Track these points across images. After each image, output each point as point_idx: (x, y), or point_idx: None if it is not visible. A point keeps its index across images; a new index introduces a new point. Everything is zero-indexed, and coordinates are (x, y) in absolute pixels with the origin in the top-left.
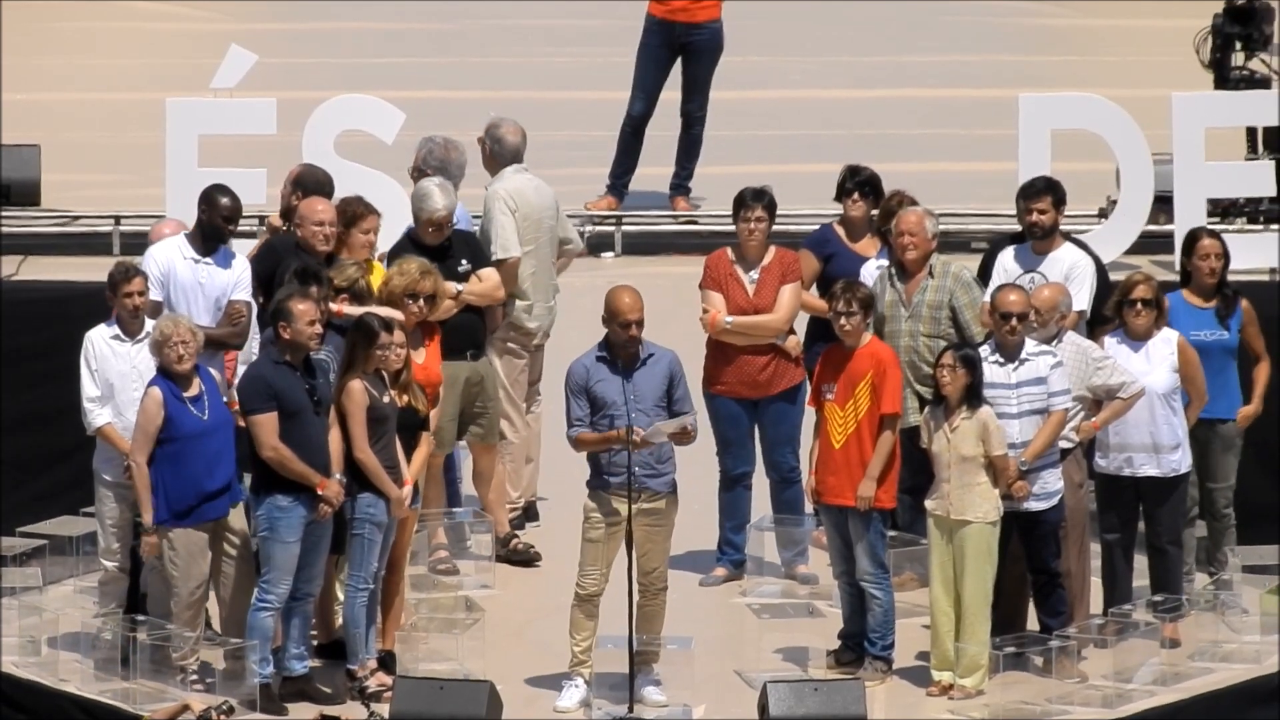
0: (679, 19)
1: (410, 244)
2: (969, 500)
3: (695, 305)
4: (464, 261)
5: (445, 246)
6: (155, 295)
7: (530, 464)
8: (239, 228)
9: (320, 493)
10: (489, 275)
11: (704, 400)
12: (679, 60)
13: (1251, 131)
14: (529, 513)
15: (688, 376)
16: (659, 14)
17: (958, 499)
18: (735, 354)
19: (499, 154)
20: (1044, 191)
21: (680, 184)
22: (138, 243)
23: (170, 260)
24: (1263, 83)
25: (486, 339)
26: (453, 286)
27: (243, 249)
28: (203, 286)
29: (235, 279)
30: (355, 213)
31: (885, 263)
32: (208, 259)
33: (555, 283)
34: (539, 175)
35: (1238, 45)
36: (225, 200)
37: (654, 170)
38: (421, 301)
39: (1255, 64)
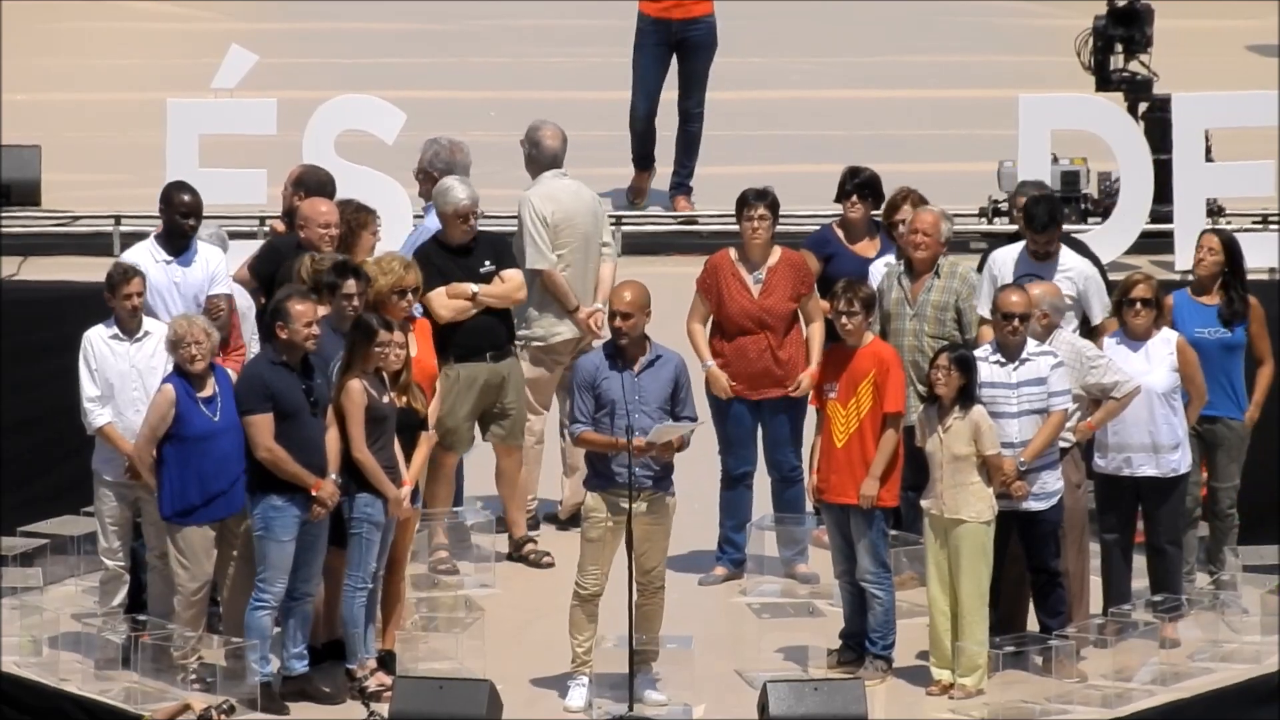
0: (674, 15)
1: (436, 247)
2: (963, 500)
3: None
4: (487, 262)
5: (470, 246)
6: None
7: (576, 471)
8: (238, 228)
9: (314, 494)
10: (511, 277)
11: (706, 400)
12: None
13: None
14: (577, 518)
15: (689, 376)
16: (652, 12)
17: (951, 499)
18: (739, 356)
19: (536, 158)
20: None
21: (681, 183)
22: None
23: (142, 265)
24: (1144, 85)
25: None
26: (470, 287)
27: (244, 249)
28: (178, 286)
29: (211, 273)
30: (362, 219)
31: (891, 258)
32: (178, 258)
33: (590, 288)
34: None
35: (1118, 47)
36: (184, 197)
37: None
38: (410, 295)
39: (1135, 65)
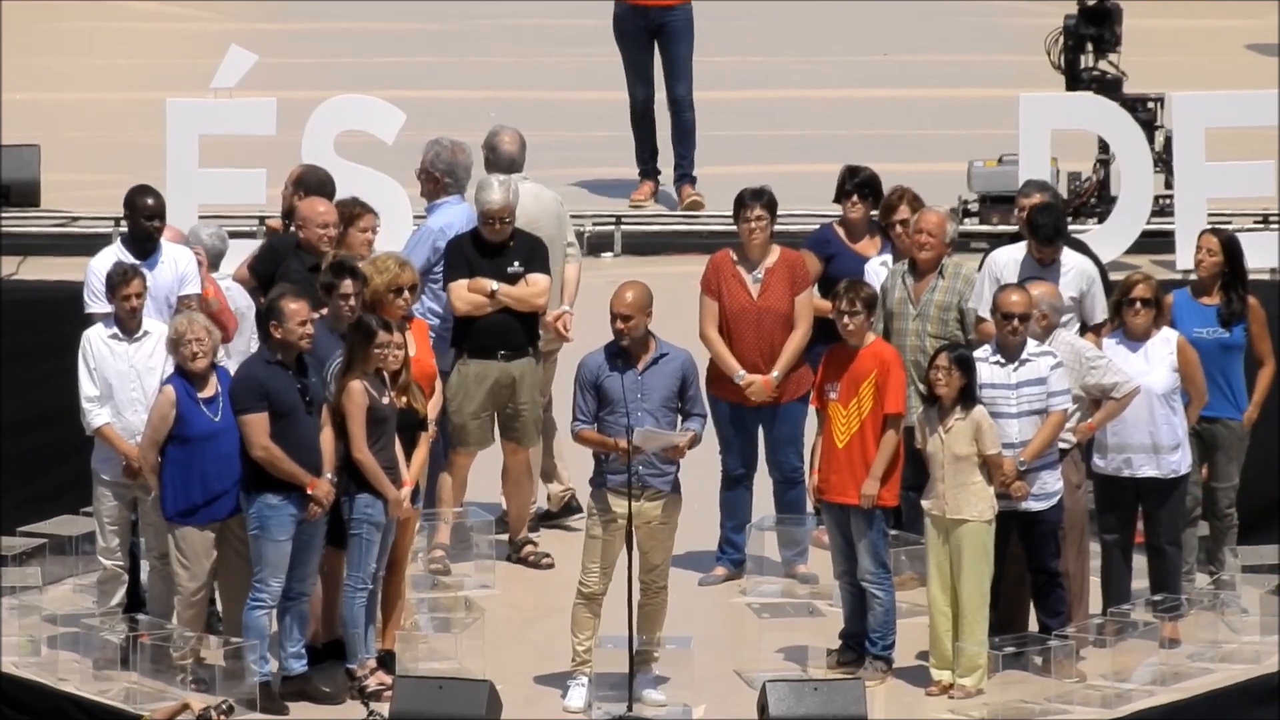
0: (653, 2)
1: (470, 240)
2: (964, 499)
3: (695, 305)
4: (516, 264)
5: (501, 245)
6: (103, 308)
7: (560, 460)
8: (238, 228)
9: (310, 492)
10: (535, 281)
11: (708, 399)
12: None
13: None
14: (568, 506)
15: (698, 372)
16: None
17: (953, 499)
18: (739, 357)
19: (494, 163)
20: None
21: (685, 173)
22: None
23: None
24: (1114, 84)
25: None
26: (489, 284)
27: (244, 249)
28: (148, 290)
29: (181, 274)
30: (353, 214)
31: (888, 258)
32: (145, 261)
33: (556, 291)
34: (538, 176)
35: (1089, 46)
36: (148, 201)
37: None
38: (406, 294)
39: (1104, 65)
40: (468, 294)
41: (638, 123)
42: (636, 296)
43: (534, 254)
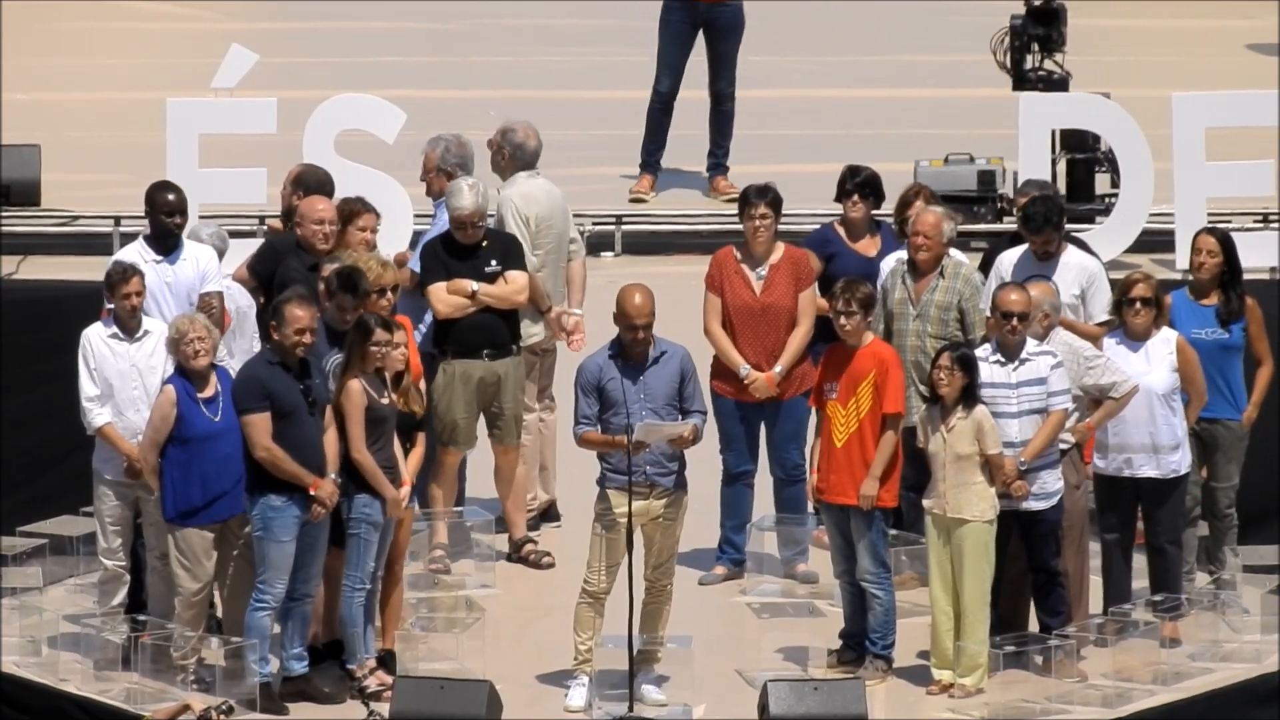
0: None
1: (442, 243)
2: (965, 499)
3: (696, 305)
4: (493, 263)
5: (475, 246)
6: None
7: (545, 470)
8: (239, 227)
9: (313, 493)
10: (515, 279)
11: (710, 396)
12: (693, 41)
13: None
14: (547, 515)
15: (695, 367)
16: None
17: (954, 498)
18: (746, 357)
19: (520, 158)
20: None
21: (719, 163)
22: None
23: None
24: (1060, 83)
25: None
26: (469, 285)
27: (244, 249)
28: (169, 286)
29: (202, 271)
30: (353, 210)
31: (904, 254)
32: (167, 257)
33: (562, 289)
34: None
35: (1035, 46)
36: (168, 196)
37: (665, 167)
38: (389, 294)
39: (1050, 65)
40: (448, 296)
41: (656, 115)
42: (647, 302)
43: (509, 252)
